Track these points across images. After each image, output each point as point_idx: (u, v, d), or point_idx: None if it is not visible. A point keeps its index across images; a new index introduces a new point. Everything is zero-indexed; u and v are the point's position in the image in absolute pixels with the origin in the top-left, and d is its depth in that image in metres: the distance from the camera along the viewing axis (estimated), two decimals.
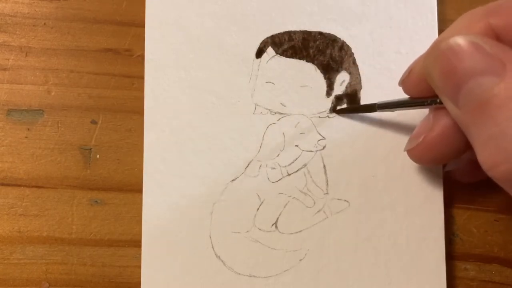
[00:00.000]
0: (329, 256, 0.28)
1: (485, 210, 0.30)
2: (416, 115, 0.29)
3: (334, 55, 0.29)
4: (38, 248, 0.28)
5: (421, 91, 0.25)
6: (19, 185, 0.29)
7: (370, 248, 0.28)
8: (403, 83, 0.26)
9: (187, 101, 0.29)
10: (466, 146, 0.23)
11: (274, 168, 0.29)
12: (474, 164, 0.28)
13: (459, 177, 0.29)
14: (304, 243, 0.28)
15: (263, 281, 0.28)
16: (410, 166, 0.29)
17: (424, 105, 0.25)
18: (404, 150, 0.26)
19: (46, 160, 0.29)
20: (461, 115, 0.21)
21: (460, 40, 0.21)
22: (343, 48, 0.30)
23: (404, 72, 0.26)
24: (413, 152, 0.26)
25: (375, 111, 0.27)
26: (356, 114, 0.29)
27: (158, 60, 0.29)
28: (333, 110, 0.29)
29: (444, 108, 0.23)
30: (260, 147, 0.29)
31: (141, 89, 0.29)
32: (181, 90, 0.29)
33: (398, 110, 0.27)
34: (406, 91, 0.26)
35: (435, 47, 0.22)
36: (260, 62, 0.29)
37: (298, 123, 0.29)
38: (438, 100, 0.24)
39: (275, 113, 0.29)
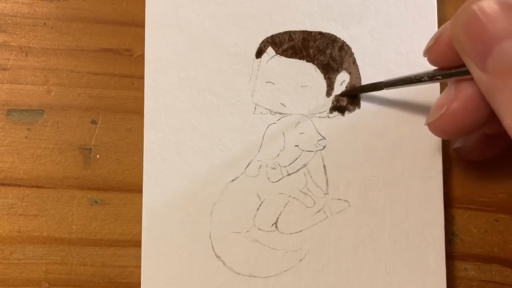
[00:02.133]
0: (329, 256, 0.28)
1: (485, 210, 0.30)
2: (417, 116, 0.29)
3: (334, 55, 0.29)
4: (38, 248, 0.28)
5: (448, 59, 0.24)
6: (19, 185, 0.29)
7: (370, 248, 0.28)
8: (429, 51, 0.25)
9: (187, 101, 0.29)
10: (489, 117, 0.23)
11: (274, 168, 0.29)
12: (484, 140, 0.27)
13: (467, 155, 0.29)
14: (304, 243, 0.28)
15: (263, 281, 0.28)
16: (410, 166, 0.29)
17: (441, 78, 0.24)
18: (426, 124, 0.26)
19: (46, 160, 0.29)
20: (488, 79, 0.21)
21: (490, 2, 0.20)
22: (343, 48, 0.30)
23: (429, 40, 0.25)
24: (435, 124, 0.25)
25: (381, 89, 0.27)
26: (359, 112, 0.29)
27: (158, 60, 0.29)
28: (341, 95, 0.29)
29: (467, 79, 0.22)
30: (260, 147, 0.29)
31: (141, 89, 0.29)
32: (181, 90, 0.29)
33: (405, 86, 0.26)
34: (431, 60, 0.25)
35: (464, 8, 0.21)
36: (260, 62, 0.29)
37: (298, 123, 0.29)
38: (460, 71, 0.23)
39: (275, 113, 0.29)
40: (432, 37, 0.25)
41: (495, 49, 0.20)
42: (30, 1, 0.30)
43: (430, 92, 0.29)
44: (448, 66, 0.24)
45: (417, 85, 0.26)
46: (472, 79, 0.22)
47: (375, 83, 0.28)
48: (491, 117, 0.22)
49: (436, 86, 0.29)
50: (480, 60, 0.21)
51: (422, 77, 0.25)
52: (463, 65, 0.23)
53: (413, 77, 0.26)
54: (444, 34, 0.24)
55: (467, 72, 0.23)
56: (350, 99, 0.29)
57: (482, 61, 0.21)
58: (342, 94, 0.29)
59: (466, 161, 0.30)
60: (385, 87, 0.27)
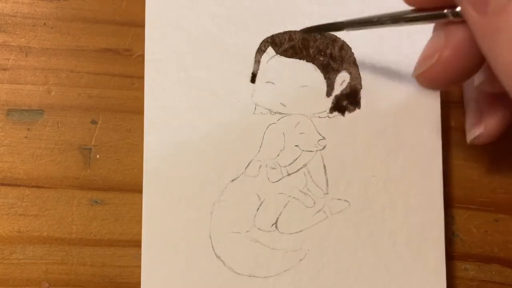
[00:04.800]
0: (329, 256, 0.28)
1: (485, 210, 0.30)
2: (417, 115, 0.29)
3: (334, 55, 0.29)
4: (38, 248, 0.28)
5: (438, 1, 0.23)
6: (19, 185, 0.29)
7: (370, 248, 0.28)
8: None
9: (187, 101, 0.29)
10: (481, 63, 0.22)
11: (274, 168, 0.29)
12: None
13: (493, 87, 0.26)
14: (304, 243, 0.28)
15: (263, 281, 0.28)
16: (410, 166, 0.29)
17: (421, 21, 0.23)
18: (413, 75, 0.25)
19: (46, 160, 0.29)
20: (487, 21, 0.20)
21: None
22: (343, 48, 0.30)
23: None
24: (426, 75, 0.24)
25: (342, 29, 0.26)
26: (359, 112, 0.29)
27: (158, 60, 0.29)
28: (305, 31, 0.28)
29: (455, 23, 0.22)
30: (260, 147, 0.29)
31: (141, 89, 0.29)
32: (181, 90, 0.29)
33: (372, 28, 0.25)
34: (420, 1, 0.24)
35: None
36: (260, 62, 0.29)
37: (298, 123, 0.29)
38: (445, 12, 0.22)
39: (275, 113, 0.29)
40: None
41: None
42: (30, 1, 0.30)
43: (431, 92, 0.29)
44: (426, 7, 0.23)
45: (388, 26, 0.24)
46: (461, 22, 0.22)
47: (336, 22, 0.26)
48: (482, 62, 0.21)
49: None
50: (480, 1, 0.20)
51: (396, 18, 0.24)
52: (444, 7, 0.22)
53: (384, 17, 0.24)
54: None
55: (453, 14, 0.22)
56: (350, 99, 0.29)
57: (483, 1, 0.20)
58: (302, 30, 0.28)
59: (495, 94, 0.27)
60: (346, 27, 0.26)
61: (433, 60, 0.23)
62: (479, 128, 0.26)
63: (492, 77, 0.24)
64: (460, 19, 0.22)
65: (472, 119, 0.27)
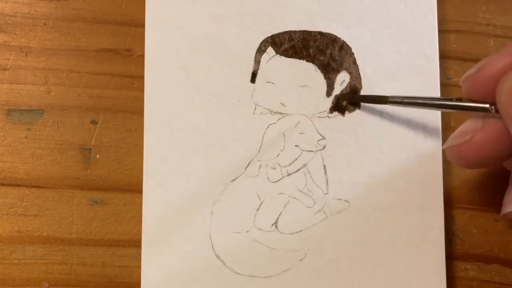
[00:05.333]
0: (329, 256, 0.28)
1: (485, 210, 0.30)
2: (417, 115, 0.29)
3: (334, 55, 0.29)
4: (38, 248, 0.28)
5: (486, 92, 0.23)
6: (19, 185, 0.29)
7: (370, 248, 0.28)
8: (468, 79, 0.24)
9: (187, 101, 0.29)
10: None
11: (274, 168, 0.29)
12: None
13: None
14: (304, 243, 0.28)
15: (263, 281, 0.28)
16: (410, 166, 0.29)
17: (470, 109, 0.24)
18: (444, 147, 0.25)
19: (46, 160, 0.29)
20: None
21: None
22: (343, 48, 0.30)
23: (470, 68, 0.24)
24: (456, 150, 0.25)
25: (386, 103, 0.27)
26: (359, 112, 0.29)
27: (158, 60, 0.29)
28: (347, 100, 0.29)
29: (497, 117, 0.23)
30: (260, 147, 0.29)
31: (141, 89, 0.29)
32: (181, 90, 0.29)
33: (414, 108, 0.26)
34: (469, 89, 0.24)
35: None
36: (260, 62, 0.29)
37: (298, 123, 0.29)
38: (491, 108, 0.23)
39: (275, 113, 0.29)
40: (474, 67, 0.24)
41: None
42: (30, 1, 0.30)
43: (431, 92, 0.29)
44: (478, 100, 0.24)
45: (430, 109, 0.26)
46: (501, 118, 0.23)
47: (381, 96, 0.28)
48: None
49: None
50: None
51: (436, 103, 0.25)
52: (487, 102, 0.23)
53: (429, 100, 0.26)
54: (487, 67, 0.23)
55: (485, 109, 0.23)
56: (350, 99, 0.29)
57: None
58: (343, 98, 0.29)
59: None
60: (390, 103, 0.27)
61: (466, 138, 0.24)
62: None
63: None
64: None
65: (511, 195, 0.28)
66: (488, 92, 0.23)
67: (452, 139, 0.25)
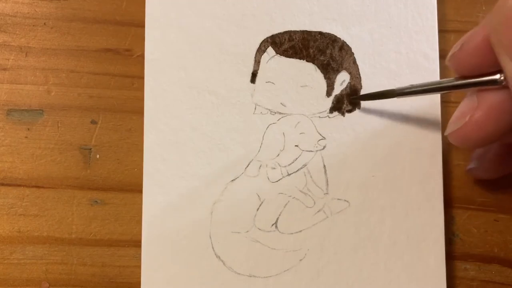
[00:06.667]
0: (329, 256, 0.28)
1: (485, 210, 0.30)
2: (417, 115, 0.29)
3: (334, 55, 0.29)
4: (38, 248, 0.28)
5: (472, 67, 0.24)
6: (19, 185, 0.29)
7: (370, 248, 0.28)
8: (453, 57, 0.25)
9: (187, 101, 0.29)
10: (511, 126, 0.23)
11: (274, 168, 0.29)
12: (499, 158, 0.28)
13: (482, 174, 0.29)
14: (304, 243, 0.28)
15: (263, 281, 0.28)
16: (410, 166, 0.29)
17: (464, 87, 0.24)
18: (446, 134, 0.26)
19: (46, 160, 0.29)
20: None
21: None
22: (343, 48, 0.30)
23: (453, 47, 0.25)
24: (458, 133, 0.25)
25: (394, 97, 0.27)
26: (359, 112, 0.29)
27: (158, 60, 0.29)
28: (351, 98, 0.29)
29: (489, 88, 0.23)
30: (260, 147, 0.29)
31: (141, 89, 0.29)
32: (181, 90, 0.29)
33: (422, 95, 0.27)
34: (456, 66, 0.25)
35: (502, 4, 0.21)
36: (260, 62, 0.29)
37: (298, 123, 0.29)
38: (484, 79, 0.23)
39: (275, 113, 0.29)
40: (456, 44, 0.25)
41: None
42: (30, 1, 0.30)
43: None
44: (470, 75, 0.24)
45: (436, 93, 0.26)
46: (496, 88, 0.23)
47: (387, 90, 0.28)
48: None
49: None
50: None
51: (443, 85, 0.25)
52: (485, 74, 0.23)
53: (433, 85, 0.26)
54: (470, 41, 0.24)
55: (494, 82, 0.23)
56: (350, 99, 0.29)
57: None
58: (353, 98, 0.29)
59: (482, 181, 0.30)
60: (397, 95, 0.27)
61: (465, 120, 0.24)
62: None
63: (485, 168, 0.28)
64: (494, 87, 0.23)
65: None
66: (475, 65, 0.24)
67: (452, 124, 0.25)
